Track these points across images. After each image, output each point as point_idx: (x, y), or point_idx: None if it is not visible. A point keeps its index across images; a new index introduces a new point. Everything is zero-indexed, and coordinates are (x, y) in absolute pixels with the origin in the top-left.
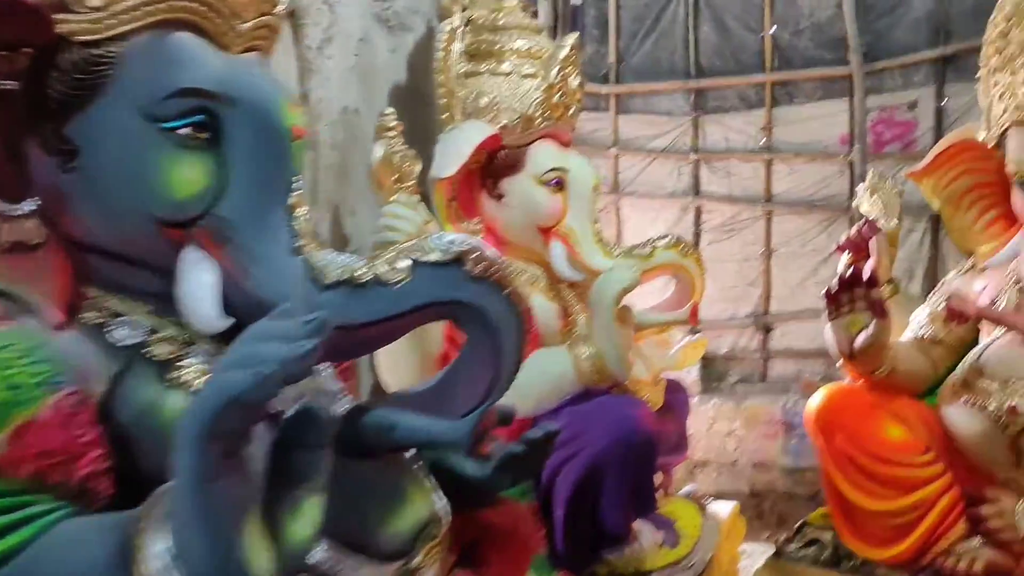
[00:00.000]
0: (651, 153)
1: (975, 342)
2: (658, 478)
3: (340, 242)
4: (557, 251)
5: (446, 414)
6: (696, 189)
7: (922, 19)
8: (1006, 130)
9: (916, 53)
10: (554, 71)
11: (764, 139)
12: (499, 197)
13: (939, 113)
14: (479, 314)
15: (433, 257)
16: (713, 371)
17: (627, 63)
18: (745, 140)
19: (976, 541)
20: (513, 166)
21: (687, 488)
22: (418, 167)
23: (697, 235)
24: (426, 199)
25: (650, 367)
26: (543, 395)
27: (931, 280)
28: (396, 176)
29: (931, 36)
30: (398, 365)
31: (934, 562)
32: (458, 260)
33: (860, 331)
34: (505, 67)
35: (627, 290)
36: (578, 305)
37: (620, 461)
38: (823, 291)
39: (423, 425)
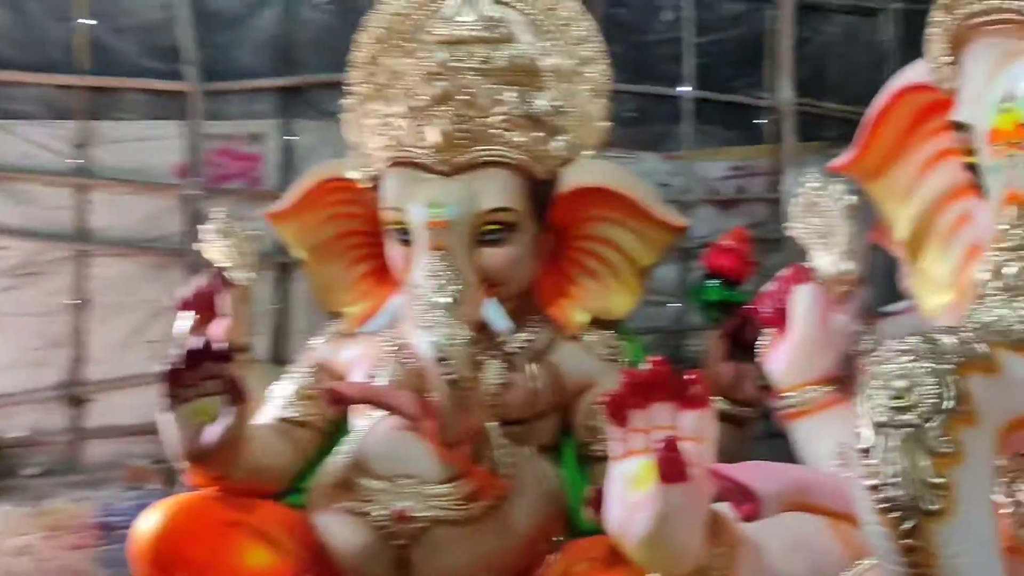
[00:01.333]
0: None
1: (345, 418)
2: None
3: None
4: None
5: None
6: None
7: (266, 43)
8: (383, 169)
9: (259, 79)
10: None
11: (77, 159)
12: None
13: (286, 149)
14: None
15: None
16: (4, 464)
17: None
18: (52, 158)
19: None
20: None
21: None
22: None
23: None
24: None
25: None
26: None
27: (279, 339)
28: None
29: (275, 63)
30: None
31: None
32: None
33: (210, 421)
34: None
35: None
36: None
37: None
38: (161, 370)
39: None
